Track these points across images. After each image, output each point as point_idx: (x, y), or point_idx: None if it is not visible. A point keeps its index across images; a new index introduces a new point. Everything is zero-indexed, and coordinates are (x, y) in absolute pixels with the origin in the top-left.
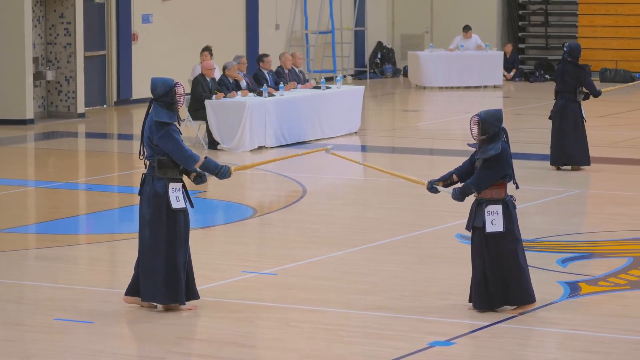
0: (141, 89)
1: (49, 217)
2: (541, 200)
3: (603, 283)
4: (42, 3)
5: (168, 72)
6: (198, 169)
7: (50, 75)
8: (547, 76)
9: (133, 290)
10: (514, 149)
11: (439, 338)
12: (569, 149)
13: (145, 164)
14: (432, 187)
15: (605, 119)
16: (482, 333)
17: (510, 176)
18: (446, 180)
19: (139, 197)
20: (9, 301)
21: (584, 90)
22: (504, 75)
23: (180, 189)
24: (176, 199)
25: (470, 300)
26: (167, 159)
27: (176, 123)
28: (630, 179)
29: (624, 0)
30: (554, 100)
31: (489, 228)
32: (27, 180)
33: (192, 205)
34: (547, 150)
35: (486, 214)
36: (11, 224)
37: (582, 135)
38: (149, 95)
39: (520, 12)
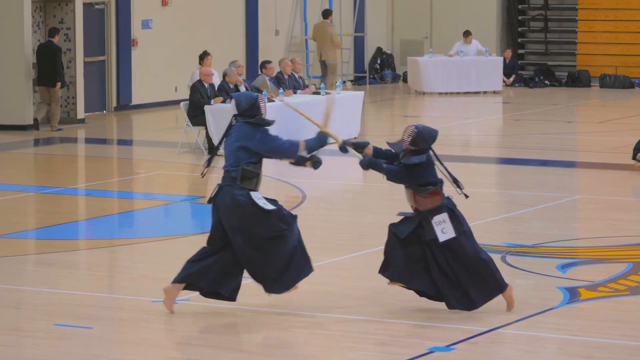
0: (141, 94)
1: (48, 223)
2: (541, 206)
3: (602, 289)
4: (41, 8)
5: (168, 78)
6: (306, 155)
7: None
8: (546, 82)
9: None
10: (513, 154)
11: (439, 343)
12: None
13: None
14: (343, 147)
15: (604, 124)
16: (482, 339)
17: (441, 183)
18: (362, 148)
19: (212, 206)
20: (8, 306)
21: None
22: (504, 81)
23: (262, 197)
24: (264, 204)
25: (449, 307)
26: (251, 169)
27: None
28: (630, 185)
29: (624, 6)
30: None
31: (442, 237)
32: (26, 185)
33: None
34: (545, 156)
35: (434, 225)
36: (11, 230)
37: None
38: (149, 100)
39: (520, 17)
